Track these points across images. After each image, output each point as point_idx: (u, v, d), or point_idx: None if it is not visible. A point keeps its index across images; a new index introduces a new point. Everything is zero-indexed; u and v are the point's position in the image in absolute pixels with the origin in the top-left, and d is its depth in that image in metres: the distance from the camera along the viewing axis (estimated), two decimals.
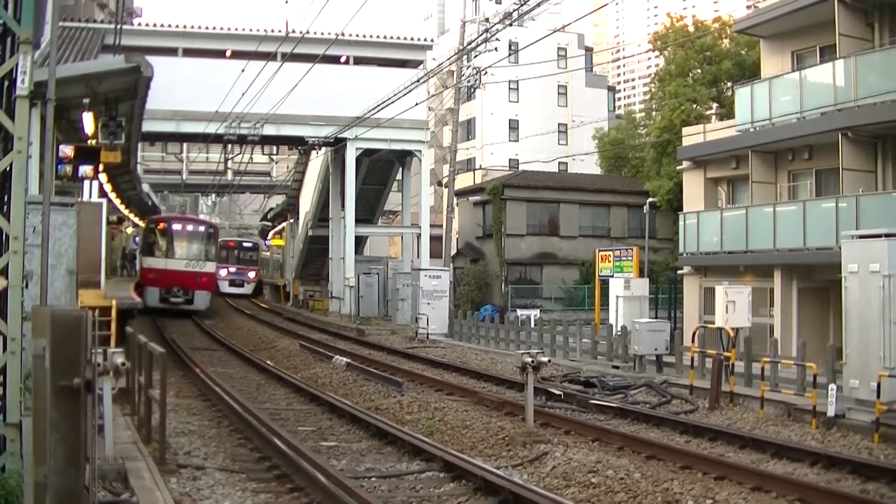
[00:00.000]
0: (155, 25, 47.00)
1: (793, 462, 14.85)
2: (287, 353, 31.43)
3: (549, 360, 17.62)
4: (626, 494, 12.18)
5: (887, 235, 17.94)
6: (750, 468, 13.97)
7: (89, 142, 26.09)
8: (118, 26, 34.73)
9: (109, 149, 25.11)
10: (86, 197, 32.88)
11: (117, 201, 47.43)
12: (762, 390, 19.82)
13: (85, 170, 24.23)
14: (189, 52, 46.30)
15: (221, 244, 65.58)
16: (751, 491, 12.73)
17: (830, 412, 17.65)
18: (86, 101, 23.56)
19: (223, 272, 69.51)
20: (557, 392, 21.53)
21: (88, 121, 24.78)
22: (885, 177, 30.45)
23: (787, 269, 31.96)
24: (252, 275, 75.86)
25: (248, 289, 75.28)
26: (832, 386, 18.05)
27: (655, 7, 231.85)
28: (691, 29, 59.98)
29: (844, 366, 18.25)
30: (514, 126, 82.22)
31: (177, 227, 49.25)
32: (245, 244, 78.55)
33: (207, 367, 25.53)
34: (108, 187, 39.69)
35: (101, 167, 26.42)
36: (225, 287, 71.38)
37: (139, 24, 49.22)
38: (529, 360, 16.68)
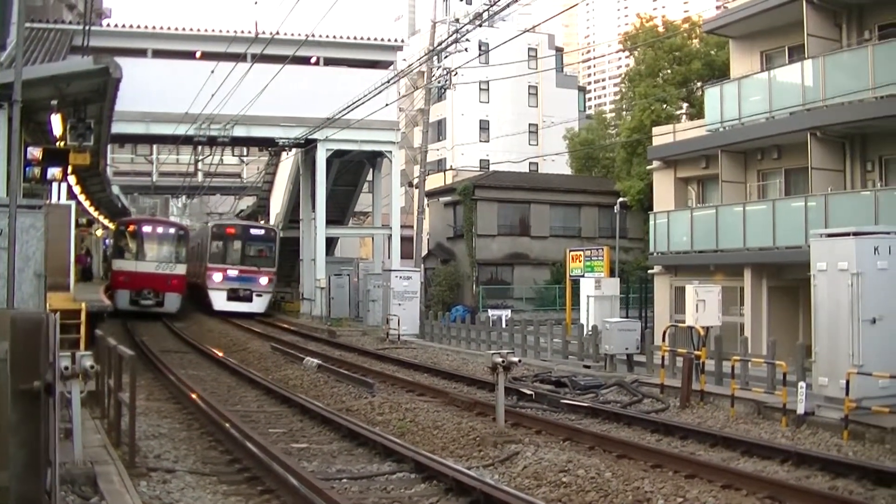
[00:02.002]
0: (124, 26, 46.83)
1: (763, 460, 14.90)
2: (258, 354, 31.32)
3: (520, 361, 17.63)
4: (597, 494, 12.19)
5: (855, 234, 18.04)
6: (720, 466, 14.01)
7: (58, 144, 25.89)
8: (87, 27, 34.53)
9: (78, 151, 24.91)
10: (54, 199, 32.63)
11: (87, 203, 47.09)
12: (732, 389, 19.88)
13: (53, 172, 24.01)
14: (158, 54, 46.15)
15: (216, 231, 52.94)
16: (721, 489, 12.76)
17: (800, 410, 17.74)
18: (54, 102, 23.36)
19: (216, 277, 50.58)
20: (528, 392, 21.55)
21: (57, 123, 24.59)
22: (853, 176, 30.63)
23: (757, 268, 32.09)
24: (265, 281, 51.51)
25: (258, 304, 51.46)
26: (802, 384, 18.14)
27: (626, 7, 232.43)
28: (661, 29, 60.20)
29: (814, 364, 18.32)
30: (484, 126, 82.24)
31: (147, 229, 48.99)
32: (254, 231, 54.67)
33: (178, 370, 25.37)
34: (77, 189, 39.39)
35: (69, 169, 26.18)
36: (220, 301, 50.64)
37: (108, 25, 49.06)
38: (500, 360, 16.68)
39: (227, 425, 16.18)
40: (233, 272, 51.03)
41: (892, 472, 13.41)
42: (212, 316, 48.61)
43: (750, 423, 18.31)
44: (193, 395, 20.16)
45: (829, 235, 18.99)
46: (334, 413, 18.44)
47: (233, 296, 50.75)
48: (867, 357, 17.05)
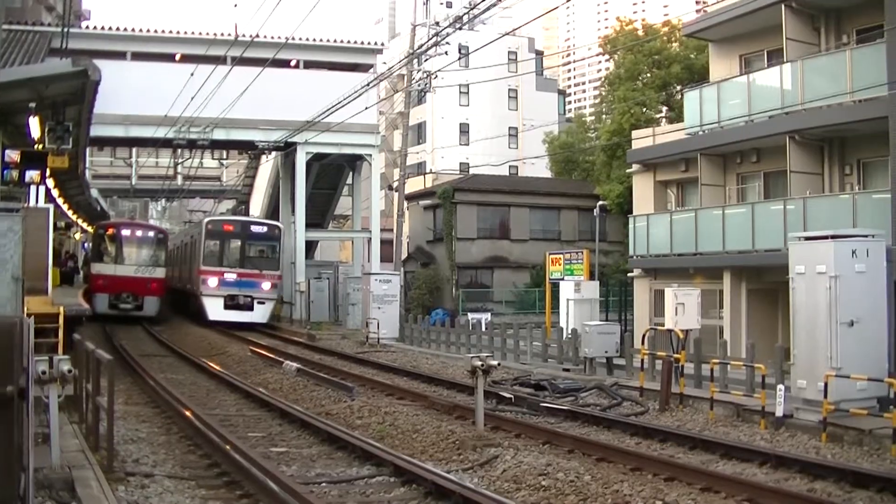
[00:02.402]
0: (103, 28, 46.60)
1: (742, 462, 14.92)
2: (237, 358, 31.24)
3: (499, 364, 17.64)
4: (577, 497, 12.19)
5: (833, 237, 18.09)
6: (699, 469, 14.03)
7: (36, 147, 25.77)
8: (65, 29, 34.33)
9: (57, 154, 24.78)
10: (32, 202, 32.49)
11: (65, 207, 46.93)
12: (712, 391, 19.91)
13: (31, 175, 23.94)
14: (138, 56, 45.98)
15: (212, 228, 46.83)
16: (700, 491, 12.78)
17: (779, 412, 17.77)
18: (32, 105, 23.23)
19: (212, 281, 45.12)
20: (508, 395, 21.53)
21: (35, 125, 24.45)
22: (831, 179, 30.78)
23: (736, 271, 32.21)
24: (268, 286, 45.86)
25: (260, 313, 45.89)
26: (780, 386, 18.17)
27: (606, 11, 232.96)
28: (641, 33, 60.30)
29: (792, 366, 18.36)
30: (464, 130, 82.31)
31: (126, 232, 48.75)
32: (255, 228, 48.28)
33: (157, 374, 25.30)
34: (55, 192, 39.24)
35: (48, 172, 26.08)
36: (216, 310, 44.95)
37: (87, 28, 48.77)
38: (479, 363, 16.67)
39: (206, 429, 16.12)
40: (231, 276, 45.14)
41: (869, 474, 13.45)
42: (197, 323, 47.53)
43: (729, 426, 18.34)
44: (172, 399, 20.09)
45: (808, 239, 19.05)
46: (314, 417, 18.40)
47: (231, 303, 44.96)
48: (845, 359, 17.09)
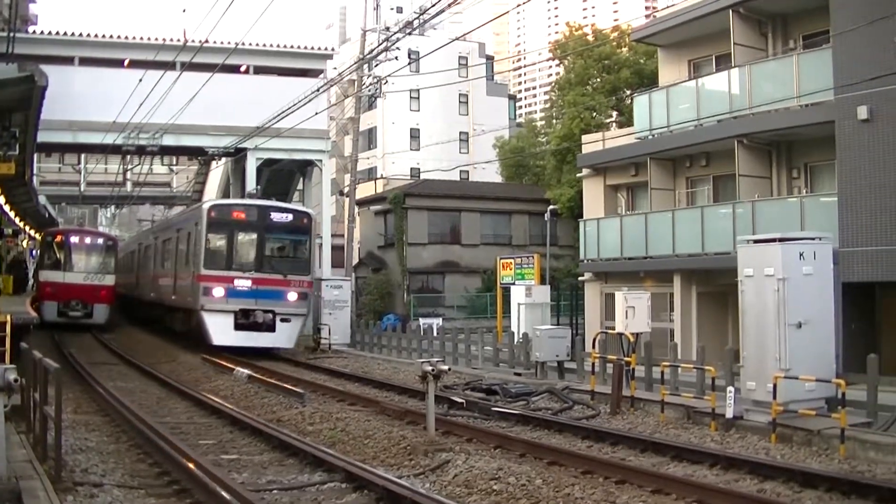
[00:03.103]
0: (50, 33, 46.12)
1: (693, 464, 14.98)
2: (189, 366, 30.99)
3: (450, 369, 17.60)
4: (528, 500, 12.19)
5: (781, 240, 18.25)
6: (650, 471, 14.08)
7: None
8: (11, 34, 33.97)
9: (3, 160, 24.54)
10: None
11: (12, 214, 46.39)
12: (662, 394, 20.01)
13: None
14: (86, 61, 45.53)
15: (217, 216, 34.91)
16: (651, 493, 12.81)
17: (729, 414, 17.88)
18: None
19: (217, 290, 33.48)
20: (459, 400, 21.52)
21: None
22: (779, 182, 31.05)
23: (686, 274, 32.41)
24: (294, 297, 34.29)
25: (285, 334, 34.32)
26: (730, 388, 18.28)
27: (556, 16, 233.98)
28: (590, 38, 60.61)
29: (742, 368, 18.51)
30: (415, 135, 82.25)
31: (74, 239, 48.22)
32: (278, 216, 35.72)
33: (107, 382, 25.02)
34: (1, 199, 38.82)
35: None
36: (223, 330, 33.23)
37: (34, 32, 48.25)
38: (430, 368, 16.62)
39: (156, 437, 15.97)
40: (244, 283, 33.70)
41: (818, 474, 13.56)
42: (149, 330, 46.71)
43: (680, 428, 18.43)
44: (121, 408, 19.90)
45: (756, 241, 19.18)
46: (265, 423, 18.28)
47: (244, 322, 33.25)
48: (794, 361, 17.24)
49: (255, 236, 34.91)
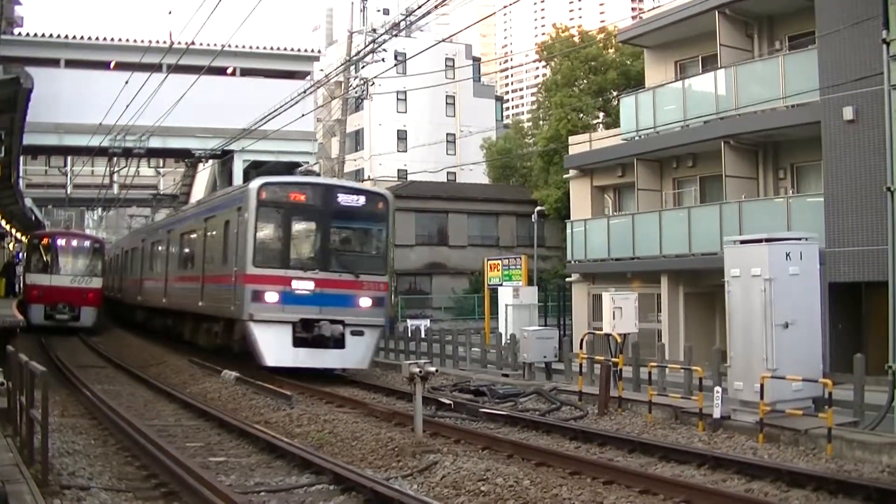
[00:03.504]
0: (36, 35, 46.01)
1: (680, 464, 15.01)
2: (176, 368, 30.89)
3: (437, 370, 17.59)
4: (516, 502, 12.18)
5: (768, 240, 18.29)
6: (638, 472, 14.09)
7: None
8: None
9: None
10: None
11: None
12: (650, 395, 20.03)
13: None
14: (72, 63, 45.41)
15: (270, 198, 27.43)
16: (639, 494, 12.83)
17: (716, 414, 17.91)
18: None
19: (270, 295, 26.53)
20: (447, 402, 21.52)
21: None
22: (765, 183, 31.13)
23: (673, 275, 32.46)
24: (367, 302, 27.36)
25: (358, 351, 27.18)
26: (717, 388, 18.33)
27: (542, 17, 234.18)
28: (577, 39, 60.67)
29: (729, 368, 18.55)
30: (402, 136, 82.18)
31: (61, 242, 48.15)
32: (347, 199, 28.22)
33: (94, 385, 24.96)
34: None
35: None
36: (279, 347, 26.32)
37: (19, 34, 48.14)
38: (417, 370, 16.63)
39: (144, 440, 15.93)
40: (305, 285, 26.60)
41: (805, 474, 13.59)
42: (136, 332, 46.74)
43: (667, 429, 18.45)
44: (108, 411, 19.85)
45: (743, 242, 19.23)
46: (252, 426, 18.26)
47: (306, 335, 26.26)
48: (780, 361, 17.29)
49: (318, 224, 27.81)
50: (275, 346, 26.18)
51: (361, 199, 28.42)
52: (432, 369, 17.23)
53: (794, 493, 12.98)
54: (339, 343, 26.56)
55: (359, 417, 20.06)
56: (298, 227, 28.08)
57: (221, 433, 18.44)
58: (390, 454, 15.52)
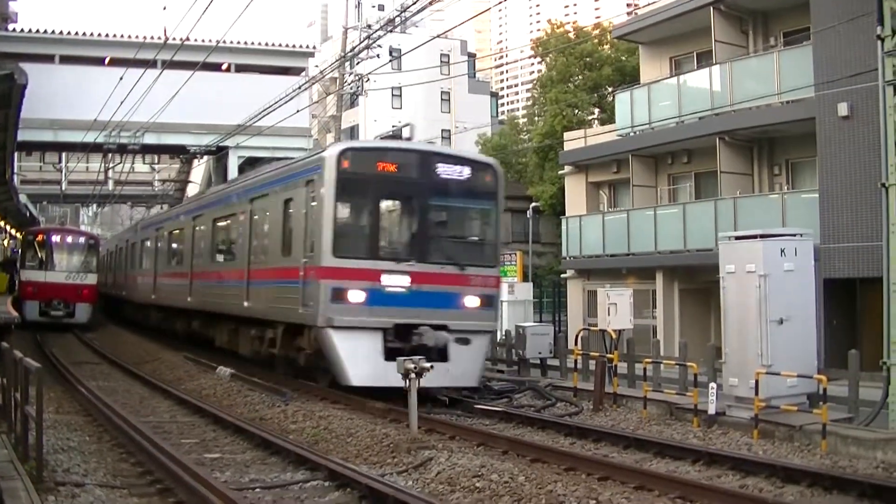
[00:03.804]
0: (30, 31, 45.97)
1: (675, 460, 15.02)
2: (171, 365, 30.84)
3: (432, 366, 17.52)
4: (511, 498, 12.17)
5: (762, 236, 18.30)
6: (633, 468, 14.09)
7: None
8: None
9: None
10: None
11: None
12: (645, 391, 20.04)
13: None
14: (66, 59, 45.37)
15: (350, 170, 20.99)
16: (634, 490, 12.82)
17: (711, 410, 17.92)
18: None
19: (354, 293, 20.65)
20: (442, 398, 21.49)
21: None
22: (760, 179, 31.18)
23: (668, 271, 32.49)
24: (474, 301, 21.65)
25: (463, 363, 21.10)
26: (712, 385, 18.35)
27: (538, 13, 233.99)
28: (572, 35, 60.61)
29: (724, 364, 18.55)
30: (397, 132, 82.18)
31: (56, 238, 48.07)
32: (446, 170, 21.81)
33: (89, 382, 24.91)
34: None
35: None
36: (364, 365, 20.59)
37: (13, 30, 48.07)
38: (412, 366, 16.62)
39: (139, 437, 15.92)
40: (398, 280, 21.08)
41: (800, 470, 13.62)
42: (132, 329, 46.74)
43: (662, 425, 18.46)
44: (103, 407, 19.83)
45: (738, 238, 19.25)
46: (247, 422, 18.25)
47: (400, 345, 20.61)
48: (775, 357, 17.29)
49: (414, 202, 21.88)
50: (362, 359, 20.55)
51: (466, 171, 22.32)
52: (427, 365, 17.22)
53: (789, 489, 13.00)
54: (441, 355, 20.68)
55: (354, 413, 19.99)
56: (389, 205, 22.51)
57: (216, 429, 18.42)
58: (385, 450, 15.50)
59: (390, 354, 19.81)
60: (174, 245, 38.46)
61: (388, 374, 19.21)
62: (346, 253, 20.81)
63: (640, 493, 12.72)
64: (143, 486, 13.25)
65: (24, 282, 46.11)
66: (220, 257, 31.09)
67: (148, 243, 43.77)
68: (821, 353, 19.16)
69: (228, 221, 30.19)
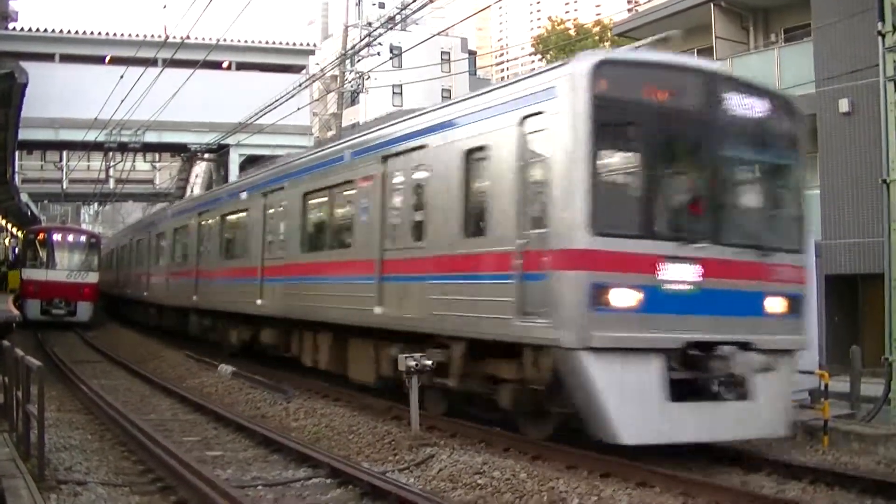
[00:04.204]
0: (30, 30, 46.02)
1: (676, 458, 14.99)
2: (173, 363, 30.87)
3: (433, 363, 17.45)
4: (513, 494, 12.17)
5: None
6: (634, 465, 14.07)
7: None
8: None
9: None
10: None
11: None
12: None
13: None
14: (66, 58, 45.43)
15: (613, 94, 13.41)
16: (635, 486, 12.79)
17: None
18: None
19: (621, 294, 13.16)
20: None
21: None
22: None
23: None
24: (779, 306, 14.69)
25: (770, 398, 13.99)
26: None
27: (538, 10, 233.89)
28: (572, 32, 60.66)
29: None
30: None
31: (57, 237, 48.09)
32: (738, 102, 14.44)
33: (90, 380, 24.93)
34: None
35: None
36: (637, 413, 13.03)
37: (14, 29, 48.11)
38: (413, 363, 16.57)
39: (140, 435, 15.93)
40: (687, 272, 13.66)
41: (801, 466, 13.62)
42: (132, 327, 46.73)
43: None
44: (105, 406, 19.84)
45: None
46: (249, 420, 18.27)
47: (691, 377, 13.72)
48: None
49: (702, 150, 14.63)
50: (635, 401, 13.20)
51: (766, 106, 15.09)
52: (428, 362, 17.18)
53: (791, 485, 13.00)
54: (739, 388, 14.02)
55: (355, 411, 20.00)
56: (668, 154, 14.86)
57: (218, 427, 18.43)
58: (387, 448, 15.52)
59: (676, 392, 13.42)
60: (228, 233, 30.72)
61: (674, 425, 13.42)
62: (608, 229, 13.29)
63: (641, 489, 12.68)
64: (144, 484, 13.27)
65: (25, 280, 46.13)
66: (323, 243, 22.77)
67: (183, 232, 36.44)
68: (822, 349, 19.11)
69: (335, 195, 21.87)
